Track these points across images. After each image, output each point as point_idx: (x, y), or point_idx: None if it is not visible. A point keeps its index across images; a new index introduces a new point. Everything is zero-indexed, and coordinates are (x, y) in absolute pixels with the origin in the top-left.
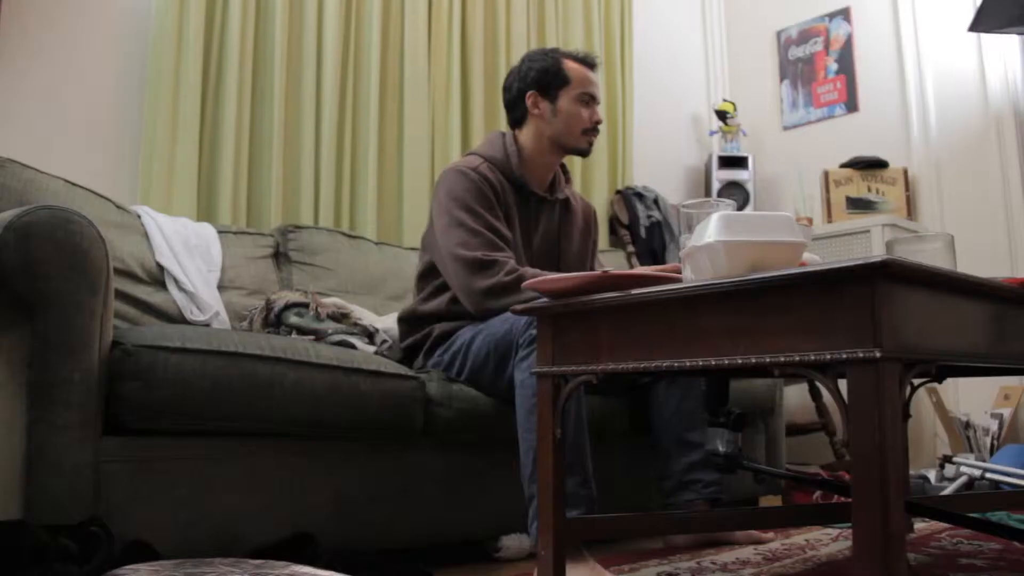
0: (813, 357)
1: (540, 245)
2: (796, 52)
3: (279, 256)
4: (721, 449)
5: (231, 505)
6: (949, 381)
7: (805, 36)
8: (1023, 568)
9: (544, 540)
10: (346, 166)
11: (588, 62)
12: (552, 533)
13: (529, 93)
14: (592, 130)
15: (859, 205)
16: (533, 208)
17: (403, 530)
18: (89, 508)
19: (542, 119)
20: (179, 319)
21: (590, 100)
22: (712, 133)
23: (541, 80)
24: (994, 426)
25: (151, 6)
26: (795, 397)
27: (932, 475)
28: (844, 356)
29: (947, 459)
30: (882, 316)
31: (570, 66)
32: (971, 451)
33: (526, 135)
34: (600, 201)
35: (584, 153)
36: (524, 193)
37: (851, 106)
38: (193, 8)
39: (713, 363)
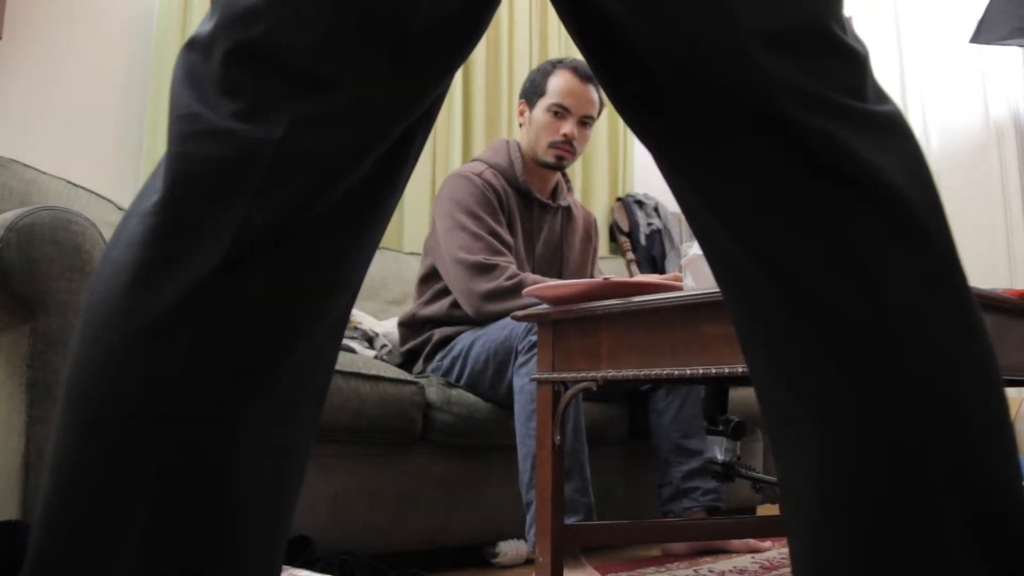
0: None
1: (543, 252)
2: None
3: None
4: (719, 457)
5: None
6: None
7: None
8: None
9: (542, 546)
10: None
11: (579, 71)
12: (550, 539)
13: (520, 101)
14: (561, 144)
15: None
16: (536, 215)
17: (401, 534)
18: None
19: (526, 128)
20: None
21: (560, 111)
22: None
23: (528, 89)
24: None
25: (154, 8)
26: None
27: None
28: None
29: None
30: None
31: (557, 75)
32: None
33: (522, 143)
34: (601, 208)
35: (551, 167)
36: (528, 200)
37: None
38: (196, 10)
39: (713, 371)
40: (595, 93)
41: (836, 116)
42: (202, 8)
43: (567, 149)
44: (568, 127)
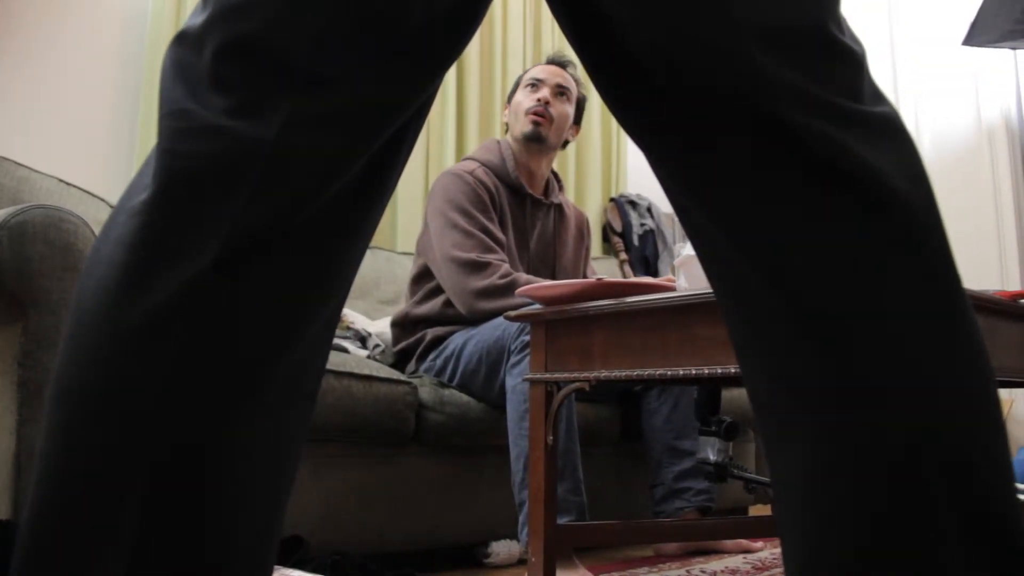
0: None
1: (536, 248)
2: None
3: None
4: (712, 457)
5: None
6: None
7: None
8: None
9: (535, 546)
10: None
11: (550, 59)
12: (543, 539)
13: (504, 105)
14: (535, 110)
15: None
16: (529, 212)
17: (393, 534)
18: None
19: (510, 120)
20: None
21: (535, 83)
22: None
23: (510, 92)
24: None
25: (148, 7)
26: None
27: None
28: None
29: None
30: None
31: (531, 70)
32: None
33: (509, 138)
34: (594, 209)
35: (531, 136)
36: (520, 197)
37: None
38: (190, 8)
39: (706, 372)
40: (570, 77)
41: (833, 117)
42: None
43: (541, 112)
44: (542, 93)
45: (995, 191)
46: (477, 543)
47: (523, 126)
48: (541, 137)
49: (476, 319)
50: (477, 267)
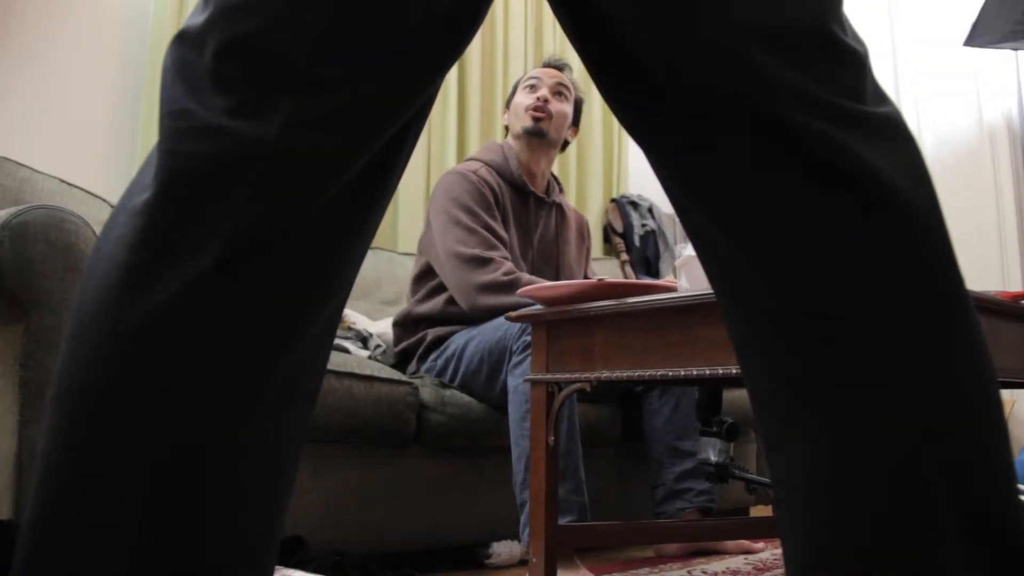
0: None
1: (539, 246)
2: None
3: None
4: (713, 458)
5: None
6: None
7: None
8: None
9: (536, 547)
10: None
11: (547, 63)
12: (544, 540)
13: (504, 110)
14: (535, 106)
15: None
16: (532, 210)
17: (393, 535)
18: None
19: (510, 122)
20: None
21: (534, 81)
22: None
23: (508, 97)
24: None
25: (149, 8)
26: None
27: None
28: None
29: None
30: None
31: (529, 72)
32: None
33: (510, 139)
34: (595, 209)
35: (532, 131)
36: (523, 194)
37: None
38: (191, 9)
39: (707, 373)
40: (567, 78)
41: (833, 117)
42: None
43: (542, 109)
44: (541, 92)
45: (996, 192)
46: (478, 543)
47: (523, 121)
48: (542, 132)
49: (477, 316)
50: (480, 262)
